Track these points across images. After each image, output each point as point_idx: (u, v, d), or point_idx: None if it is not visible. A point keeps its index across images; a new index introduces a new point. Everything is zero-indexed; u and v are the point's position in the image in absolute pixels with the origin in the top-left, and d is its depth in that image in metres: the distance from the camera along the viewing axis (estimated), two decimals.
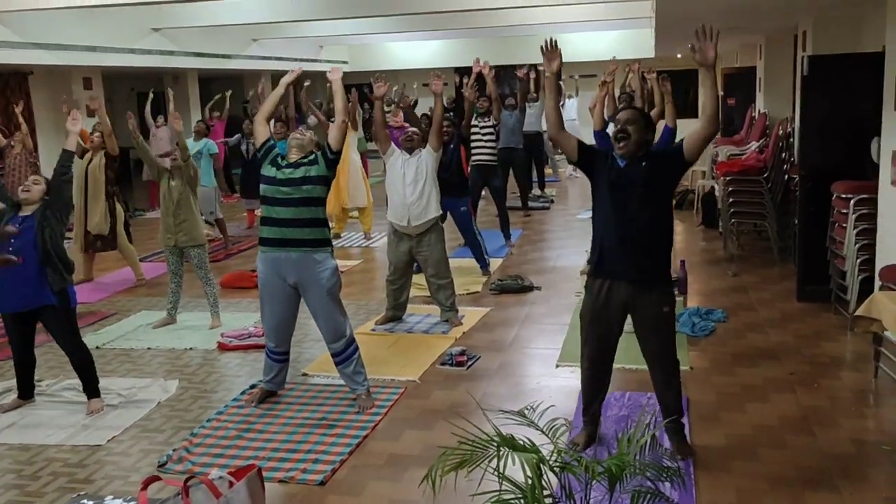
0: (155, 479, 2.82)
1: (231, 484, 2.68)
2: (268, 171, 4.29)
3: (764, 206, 7.43)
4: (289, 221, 4.21)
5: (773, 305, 6.02)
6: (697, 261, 7.56)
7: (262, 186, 4.31)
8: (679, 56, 17.76)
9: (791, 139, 7.74)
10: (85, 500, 3.49)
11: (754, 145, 8.90)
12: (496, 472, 2.05)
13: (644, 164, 3.40)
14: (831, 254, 5.66)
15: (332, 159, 4.30)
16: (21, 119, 9.08)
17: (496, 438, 2.10)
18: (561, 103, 13.43)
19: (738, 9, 6.61)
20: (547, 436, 2.29)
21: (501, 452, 2.05)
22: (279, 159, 4.31)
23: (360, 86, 12.77)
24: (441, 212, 5.70)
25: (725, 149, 9.40)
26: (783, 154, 7.65)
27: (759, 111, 10.96)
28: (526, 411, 2.42)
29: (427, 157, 5.58)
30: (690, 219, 9.54)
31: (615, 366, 4.48)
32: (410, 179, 5.51)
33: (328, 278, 4.28)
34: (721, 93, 13.94)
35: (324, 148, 4.33)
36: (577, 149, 3.53)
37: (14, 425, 4.40)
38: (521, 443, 2.11)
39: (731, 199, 7.43)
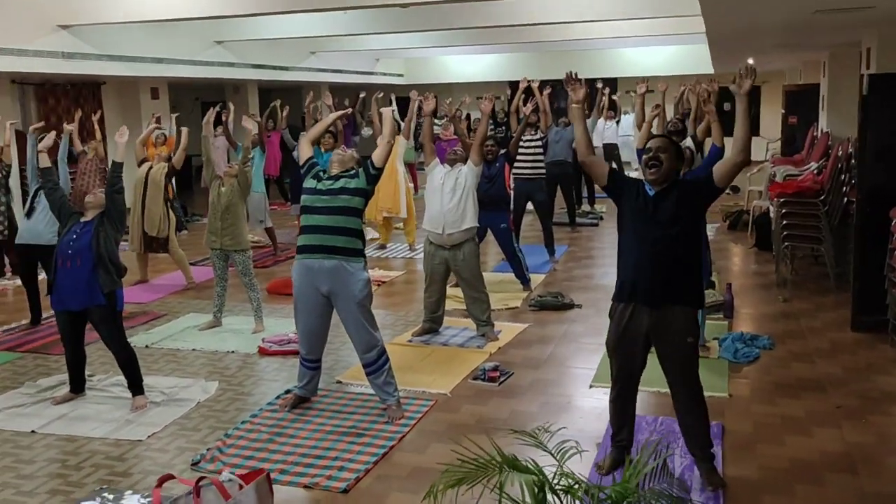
0: (169, 477, 2.90)
1: (241, 487, 2.74)
2: (309, 183, 4.45)
3: (820, 229, 7.20)
4: (325, 228, 4.32)
5: (823, 334, 5.83)
6: (748, 284, 7.38)
7: (302, 197, 4.47)
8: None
9: (853, 160, 7.50)
10: (105, 494, 3.61)
11: (813, 166, 8.65)
12: (494, 490, 2.05)
13: (673, 193, 3.39)
14: (889, 282, 5.45)
15: (374, 174, 4.43)
16: (96, 127, 9.48)
17: (498, 458, 2.09)
18: (616, 119, 13.42)
19: (792, 25, 6.46)
20: (555, 457, 2.28)
21: (503, 472, 2.04)
22: (321, 173, 4.46)
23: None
24: (477, 224, 5.72)
25: (783, 169, 9.16)
26: (843, 176, 7.42)
27: (821, 130, 10.65)
28: (537, 431, 2.41)
29: (467, 172, 5.64)
30: (744, 240, 9.32)
31: (649, 389, 4.45)
32: (449, 188, 5.59)
33: (360, 289, 4.35)
34: (782, 111, 13.61)
35: (366, 163, 4.44)
36: (608, 175, 3.55)
37: (64, 417, 4.59)
38: (525, 464, 2.10)
39: (784, 222, 7.23)
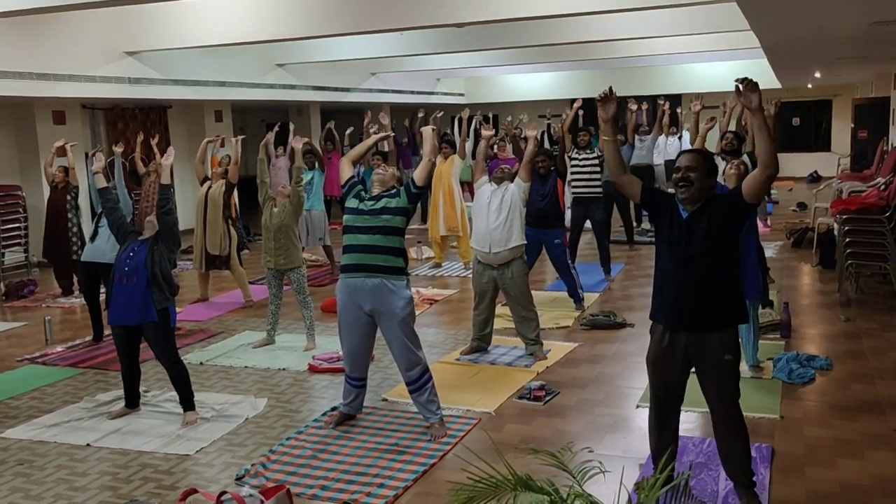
0: (193, 491, 2.97)
1: (262, 502, 2.78)
2: (351, 203, 4.50)
3: (885, 246, 6.93)
4: (367, 248, 4.37)
5: (886, 355, 5.59)
6: (809, 303, 7.14)
7: (345, 217, 4.52)
8: (809, 86, 16.93)
9: None
10: None
11: (880, 181, 8.33)
12: None
13: (706, 214, 3.30)
14: None
15: (416, 193, 4.46)
16: (157, 150, 9.75)
17: (511, 478, 2.08)
18: (679, 135, 13.19)
19: (851, 38, 6.26)
20: (573, 477, 2.25)
21: (515, 492, 2.03)
22: (362, 193, 4.52)
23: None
24: (524, 242, 5.71)
25: (849, 185, 8.86)
26: None
27: (891, 145, 10.27)
28: (560, 451, 2.38)
29: (514, 190, 5.65)
30: (808, 258, 9.02)
31: (697, 410, 4.34)
32: (496, 207, 5.61)
33: (402, 308, 4.38)
34: (852, 125, 13.17)
35: (408, 182, 4.48)
36: (641, 192, 3.50)
37: (118, 431, 4.74)
38: (540, 484, 2.08)
39: (847, 240, 6.99)
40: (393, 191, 4.49)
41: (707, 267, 3.28)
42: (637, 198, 3.52)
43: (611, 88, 3.58)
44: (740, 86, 3.19)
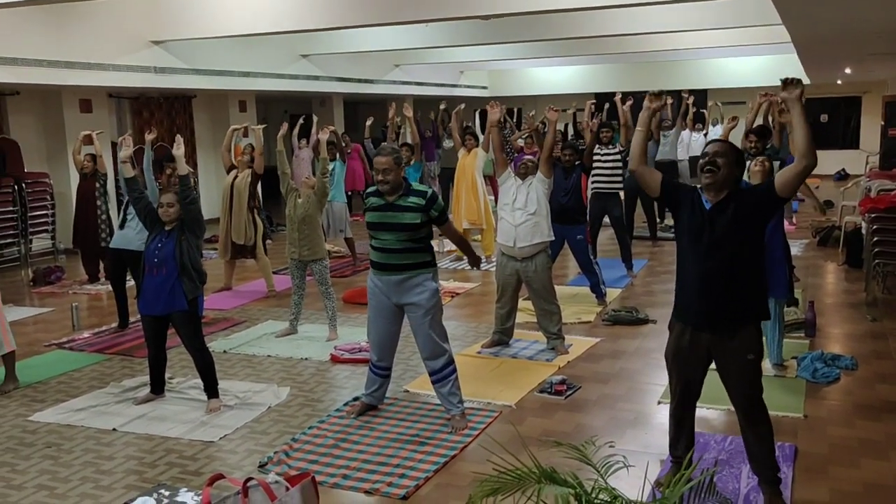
0: (219, 476, 3.00)
1: (287, 489, 2.82)
2: (371, 200, 4.47)
3: None
4: (391, 246, 4.38)
5: None
6: (834, 302, 7.06)
7: (367, 213, 4.49)
8: (839, 82, 16.70)
9: None
10: (162, 490, 3.79)
11: None
12: (530, 502, 2.05)
13: (730, 206, 3.25)
14: None
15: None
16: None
17: (535, 471, 2.09)
18: (704, 131, 13.07)
19: (884, 33, 6.17)
20: (597, 471, 2.25)
21: (540, 485, 2.04)
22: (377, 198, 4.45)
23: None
24: (551, 238, 5.69)
25: (878, 183, 8.74)
26: None
27: None
28: (584, 445, 2.38)
29: (538, 185, 5.62)
30: (834, 257, 8.92)
31: (720, 407, 4.33)
32: (521, 203, 5.57)
33: (428, 299, 4.40)
34: (882, 122, 12.97)
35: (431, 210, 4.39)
36: (661, 184, 3.44)
37: (144, 417, 4.81)
38: (564, 477, 2.09)
39: (875, 238, 6.90)
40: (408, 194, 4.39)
41: (728, 259, 3.24)
42: (656, 190, 3.45)
43: (661, 92, 3.59)
44: (786, 79, 3.16)
